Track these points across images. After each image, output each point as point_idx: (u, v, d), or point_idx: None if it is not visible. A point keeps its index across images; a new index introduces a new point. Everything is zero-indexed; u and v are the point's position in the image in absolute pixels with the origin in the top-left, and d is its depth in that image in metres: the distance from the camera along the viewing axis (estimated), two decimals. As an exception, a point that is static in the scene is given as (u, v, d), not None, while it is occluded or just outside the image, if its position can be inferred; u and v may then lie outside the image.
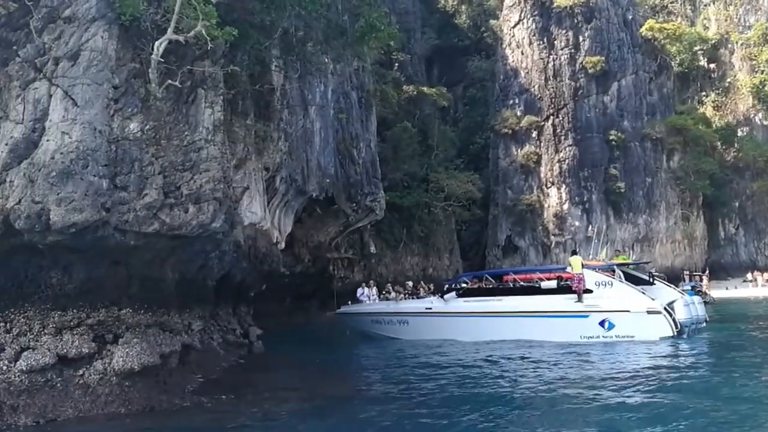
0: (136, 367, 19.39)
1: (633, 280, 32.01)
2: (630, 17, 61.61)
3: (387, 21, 36.03)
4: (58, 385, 19.03)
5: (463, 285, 34.60)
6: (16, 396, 18.47)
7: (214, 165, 20.02)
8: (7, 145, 18.41)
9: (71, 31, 18.88)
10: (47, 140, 18.28)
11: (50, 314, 19.85)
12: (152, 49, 19.16)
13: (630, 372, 22.77)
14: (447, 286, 35.80)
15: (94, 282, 19.93)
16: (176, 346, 21.30)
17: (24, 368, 18.74)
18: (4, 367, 18.91)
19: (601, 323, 29.58)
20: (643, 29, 61.44)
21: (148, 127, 19.45)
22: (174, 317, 22.36)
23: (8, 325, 19.76)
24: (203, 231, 20.03)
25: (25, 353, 19.00)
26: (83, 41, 18.89)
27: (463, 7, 68.77)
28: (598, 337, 29.47)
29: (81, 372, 19.41)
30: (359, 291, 38.64)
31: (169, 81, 19.58)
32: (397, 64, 57.98)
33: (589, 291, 30.09)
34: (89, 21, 18.96)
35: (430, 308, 33.85)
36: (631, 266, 36.45)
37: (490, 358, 27.16)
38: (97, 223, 18.47)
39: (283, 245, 35.69)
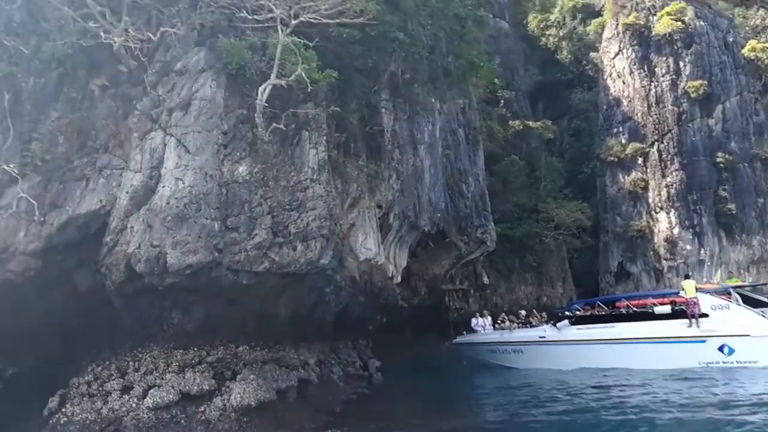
0: (253, 403, 18.68)
1: (751, 302, 28.91)
2: (731, 39, 57.88)
3: (486, 58, 34.78)
4: (182, 421, 18.54)
5: (576, 313, 32.45)
6: (144, 432, 18.05)
7: (320, 203, 19.23)
8: (128, 193, 18.25)
9: (182, 82, 18.68)
10: (163, 186, 17.98)
11: (173, 353, 19.52)
12: (257, 95, 18.62)
13: (755, 398, 20.40)
14: (560, 314, 33.76)
15: (212, 321, 19.41)
16: (293, 381, 20.48)
17: (151, 405, 18.42)
18: (134, 405, 18.61)
19: (720, 348, 26.85)
20: (745, 50, 57.63)
21: (256, 169, 18.90)
22: (290, 353, 21.59)
23: (136, 364, 19.55)
24: (312, 268, 19.21)
25: (152, 391, 18.71)
26: (193, 91, 18.63)
27: (564, 43, 66.57)
28: (717, 362, 26.69)
29: (202, 408, 18.86)
30: (473, 321, 37.08)
31: (275, 124, 19.01)
32: (502, 101, 56.47)
33: (705, 315, 27.42)
34: (198, 72, 18.72)
35: (544, 337, 31.92)
36: (747, 288, 33.31)
37: (607, 385, 25.13)
38: (210, 264, 17.95)
39: (399, 279, 34.60)
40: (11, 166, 18.11)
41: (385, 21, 23.31)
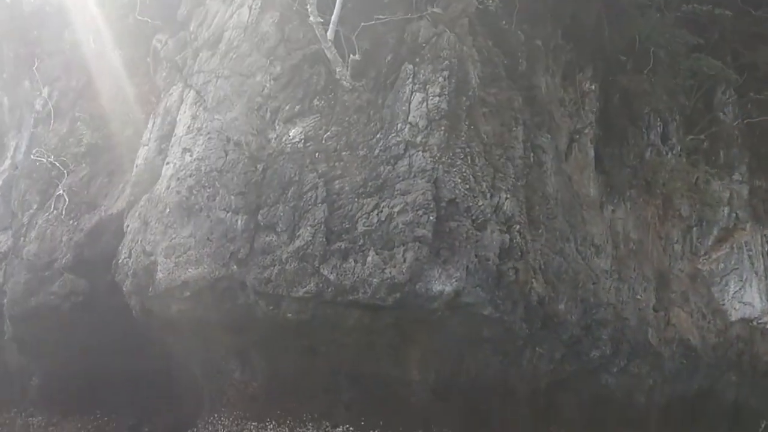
0: None
1: None
2: None
3: None
4: None
5: None
6: None
7: (419, 183, 10.58)
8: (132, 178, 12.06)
9: (216, 9, 12.01)
10: (167, 164, 11.41)
11: (247, 425, 12.48)
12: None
13: None
14: None
15: (284, 381, 11.97)
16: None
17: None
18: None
19: None
20: None
21: (326, 133, 11.17)
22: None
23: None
24: (404, 296, 10.56)
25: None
26: (227, 18, 11.80)
27: None
28: None
29: None
30: None
31: (352, 56, 11.13)
32: None
33: None
34: (238, -11, 11.86)
35: None
36: None
37: None
38: (226, 283, 10.73)
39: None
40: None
41: None
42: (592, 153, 16.32)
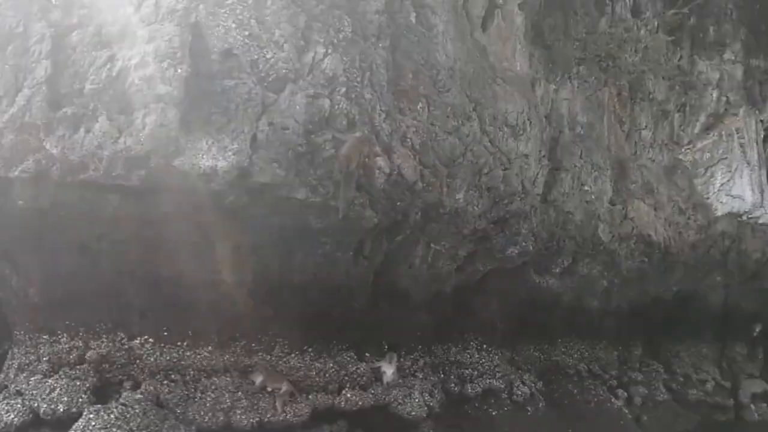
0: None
1: None
2: None
3: None
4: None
5: None
6: None
7: (166, 28, 8.01)
8: None
9: None
10: None
11: (40, 339, 10.48)
12: None
13: None
14: None
15: (59, 284, 9.85)
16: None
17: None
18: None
19: None
20: None
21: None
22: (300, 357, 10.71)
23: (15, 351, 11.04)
24: (152, 173, 8.18)
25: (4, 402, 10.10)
26: None
27: None
28: None
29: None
30: None
31: None
32: None
33: None
34: None
35: None
36: None
37: None
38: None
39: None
40: None
41: None
42: (519, 21, 13.91)
